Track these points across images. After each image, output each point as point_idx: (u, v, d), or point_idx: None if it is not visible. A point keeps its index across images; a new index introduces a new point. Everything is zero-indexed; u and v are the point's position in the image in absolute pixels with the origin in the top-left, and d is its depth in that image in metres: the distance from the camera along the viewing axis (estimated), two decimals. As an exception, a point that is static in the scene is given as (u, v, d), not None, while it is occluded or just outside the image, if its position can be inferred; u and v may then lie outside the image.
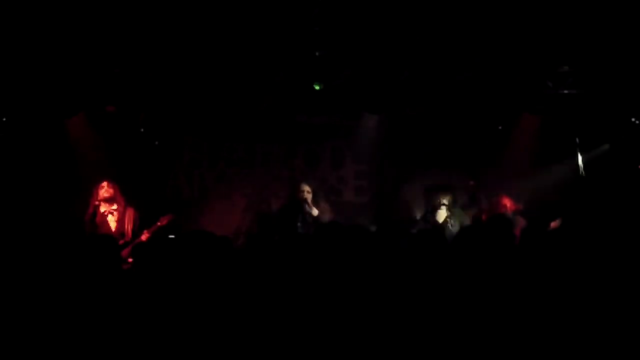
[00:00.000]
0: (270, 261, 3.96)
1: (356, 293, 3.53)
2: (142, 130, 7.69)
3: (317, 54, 6.68)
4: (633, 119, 7.07)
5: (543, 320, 3.30)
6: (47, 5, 5.87)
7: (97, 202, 6.16)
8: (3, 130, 7.02)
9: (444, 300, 3.46)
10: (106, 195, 6.18)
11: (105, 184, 6.24)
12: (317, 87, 7.05)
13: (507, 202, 6.55)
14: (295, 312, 3.44)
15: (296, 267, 3.84)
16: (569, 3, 5.96)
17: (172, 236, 5.67)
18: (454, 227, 6.46)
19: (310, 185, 6.92)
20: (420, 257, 3.98)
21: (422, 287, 3.60)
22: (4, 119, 6.97)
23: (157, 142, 7.93)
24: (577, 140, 7.21)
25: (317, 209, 6.73)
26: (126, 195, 6.36)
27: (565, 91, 6.95)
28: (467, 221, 6.60)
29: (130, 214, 6.22)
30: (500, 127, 7.89)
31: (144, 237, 5.99)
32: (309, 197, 6.78)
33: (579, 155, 7.22)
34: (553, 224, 6.16)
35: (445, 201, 6.79)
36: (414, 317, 3.41)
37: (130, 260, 4.90)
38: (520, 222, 6.40)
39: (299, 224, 6.73)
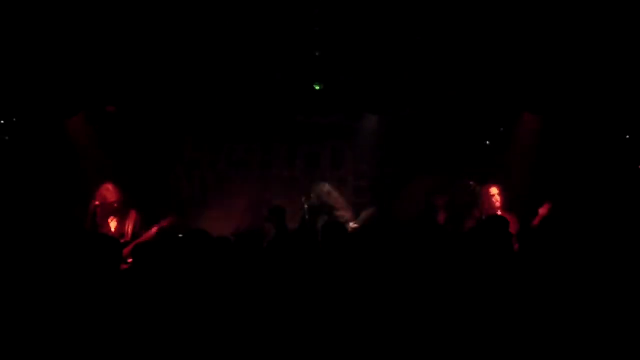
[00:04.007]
0: (270, 260, 3.96)
1: (353, 293, 3.52)
2: (142, 130, 7.71)
3: (317, 54, 6.68)
4: None
5: (542, 320, 3.30)
6: (47, 5, 5.87)
7: (98, 203, 6.15)
8: (3, 130, 7.02)
9: (442, 300, 3.46)
10: (109, 197, 6.17)
11: (109, 186, 6.24)
12: (317, 87, 7.06)
13: (495, 191, 6.60)
14: (295, 312, 3.44)
15: (296, 266, 3.84)
16: (568, 4, 5.96)
17: (181, 235, 5.67)
18: None
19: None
20: (419, 257, 3.98)
21: (421, 287, 3.59)
22: (4, 121, 6.97)
23: (156, 142, 7.94)
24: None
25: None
26: (126, 196, 6.36)
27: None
28: None
29: (131, 215, 6.22)
30: (501, 129, 7.88)
31: (144, 238, 5.97)
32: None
33: None
34: (541, 211, 6.17)
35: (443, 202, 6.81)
36: (413, 317, 3.40)
37: (130, 260, 4.90)
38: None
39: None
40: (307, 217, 6.95)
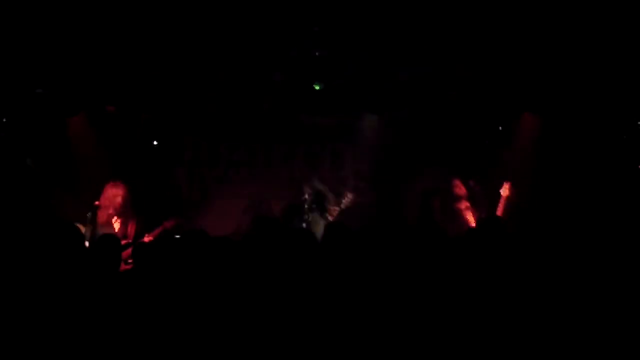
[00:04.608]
0: (270, 261, 3.96)
1: (353, 293, 3.53)
2: (142, 130, 7.70)
3: (317, 54, 6.69)
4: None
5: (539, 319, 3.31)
6: (47, 5, 5.87)
7: (98, 203, 6.13)
8: (3, 130, 7.03)
9: (442, 300, 3.47)
10: (117, 196, 6.15)
11: (119, 185, 6.22)
12: (317, 87, 7.06)
13: (458, 183, 6.71)
14: (295, 312, 3.44)
15: (296, 266, 3.84)
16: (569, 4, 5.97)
17: (178, 236, 5.67)
18: None
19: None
20: (418, 258, 3.98)
21: (421, 288, 3.60)
22: (4, 120, 6.97)
23: (156, 142, 7.94)
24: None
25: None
26: (132, 197, 6.35)
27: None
28: None
29: (134, 217, 6.21)
30: (500, 128, 7.88)
31: (146, 239, 5.96)
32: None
33: None
34: (502, 192, 6.19)
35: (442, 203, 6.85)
36: (413, 317, 3.41)
37: (130, 261, 4.90)
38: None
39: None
40: (308, 217, 6.96)
